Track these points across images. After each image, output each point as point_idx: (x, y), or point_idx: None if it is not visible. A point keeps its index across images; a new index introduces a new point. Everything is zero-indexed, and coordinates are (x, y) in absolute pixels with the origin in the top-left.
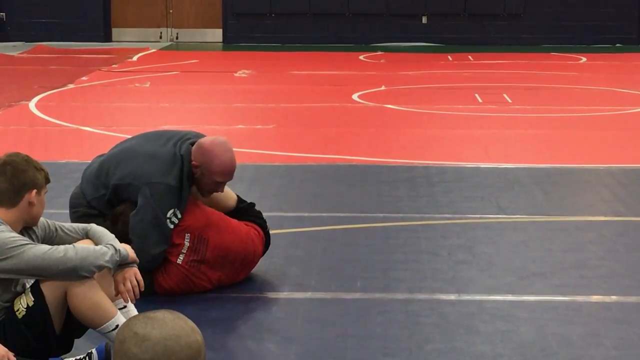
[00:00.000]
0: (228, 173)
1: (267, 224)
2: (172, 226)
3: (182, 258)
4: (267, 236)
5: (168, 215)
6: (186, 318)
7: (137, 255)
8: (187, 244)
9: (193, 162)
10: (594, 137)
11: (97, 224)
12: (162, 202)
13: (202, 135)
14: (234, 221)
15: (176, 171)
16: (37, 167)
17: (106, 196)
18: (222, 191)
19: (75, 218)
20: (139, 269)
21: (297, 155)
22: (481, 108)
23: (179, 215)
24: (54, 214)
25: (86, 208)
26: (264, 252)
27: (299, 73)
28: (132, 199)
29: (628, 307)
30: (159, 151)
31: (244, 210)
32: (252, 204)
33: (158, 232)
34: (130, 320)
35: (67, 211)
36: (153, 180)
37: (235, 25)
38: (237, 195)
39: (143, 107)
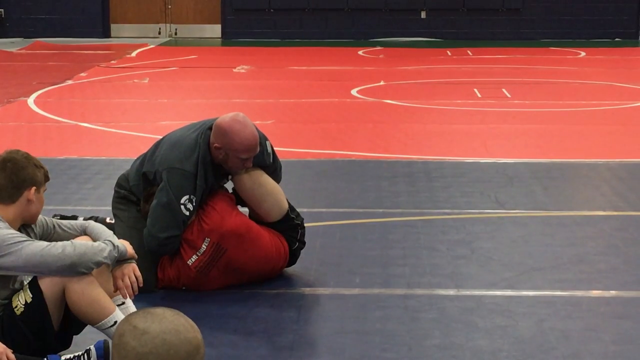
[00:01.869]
0: (251, 148)
1: (299, 244)
2: (187, 213)
3: (193, 260)
4: (293, 253)
5: (182, 201)
6: (186, 316)
7: (146, 239)
8: (204, 247)
9: (215, 145)
10: (593, 131)
11: (135, 210)
12: (177, 188)
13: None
14: (265, 235)
15: (195, 157)
16: (37, 165)
17: (142, 185)
18: (250, 166)
19: (116, 198)
20: (147, 256)
21: (296, 151)
22: (480, 103)
23: (195, 202)
24: (53, 210)
25: (127, 192)
26: (285, 267)
27: (297, 68)
28: None
29: (627, 301)
30: (184, 137)
31: (285, 223)
32: (300, 219)
33: (169, 217)
34: (130, 315)
35: (67, 207)
36: (171, 166)
37: (234, 20)
38: (291, 207)
39: (142, 103)
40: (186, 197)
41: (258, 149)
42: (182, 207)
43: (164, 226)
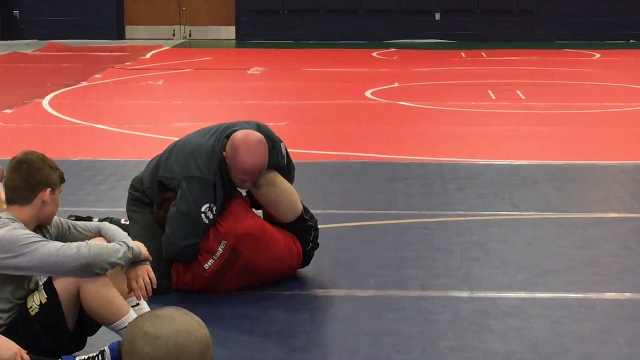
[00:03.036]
0: (250, 174)
1: (313, 245)
2: (207, 221)
3: (210, 264)
4: (306, 255)
5: (203, 209)
6: (192, 313)
7: (166, 247)
8: (220, 251)
9: (224, 153)
10: (607, 133)
11: (149, 212)
12: (198, 197)
13: (250, 126)
14: (279, 237)
15: (214, 166)
16: (53, 167)
17: (156, 189)
18: (249, 188)
19: (131, 200)
20: (162, 258)
21: (310, 153)
22: (495, 105)
23: (215, 211)
24: (68, 211)
25: (141, 194)
26: (298, 268)
27: (312, 70)
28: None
29: None
30: (202, 145)
31: (299, 224)
32: (314, 221)
33: (189, 226)
34: (138, 320)
35: (82, 209)
36: (191, 175)
37: (249, 22)
38: (305, 209)
39: (156, 105)
40: (207, 205)
41: (259, 177)
42: (203, 215)
43: (183, 235)
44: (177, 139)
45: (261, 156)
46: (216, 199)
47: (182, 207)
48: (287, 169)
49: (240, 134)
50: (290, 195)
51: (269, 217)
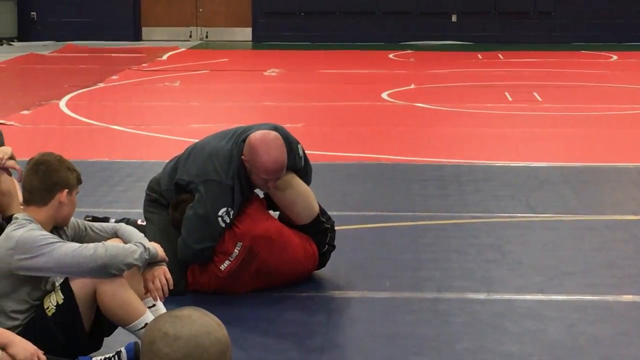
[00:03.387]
0: (271, 171)
1: (328, 247)
2: (223, 225)
3: (225, 265)
4: (322, 257)
5: (220, 213)
6: (209, 313)
7: (181, 249)
8: (236, 252)
9: (243, 157)
10: (624, 135)
11: (165, 213)
12: (215, 200)
13: (265, 128)
14: (295, 238)
15: (232, 170)
16: (70, 168)
17: (174, 190)
18: (272, 187)
19: (147, 201)
20: (182, 262)
21: (326, 154)
22: (511, 106)
23: (232, 215)
24: (84, 212)
25: (159, 196)
26: (314, 270)
27: (328, 72)
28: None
29: None
30: (219, 149)
31: (315, 226)
32: (330, 222)
33: (206, 229)
34: (157, 321)
35: (98, 210)
36: (208, 178)
37: (265, 24)
38: (321, 210)
39: (173, 106)
40: (224, 209)
41: (281, 174)
42: (219, 219)
43: (199, 237)
44: (195, 141)
45: (280, 153)
46: (233, 203)
47: (199, 210)
48: (304, 170)
49: (256, 135)
50: (306, 197)
51: (284, 219)
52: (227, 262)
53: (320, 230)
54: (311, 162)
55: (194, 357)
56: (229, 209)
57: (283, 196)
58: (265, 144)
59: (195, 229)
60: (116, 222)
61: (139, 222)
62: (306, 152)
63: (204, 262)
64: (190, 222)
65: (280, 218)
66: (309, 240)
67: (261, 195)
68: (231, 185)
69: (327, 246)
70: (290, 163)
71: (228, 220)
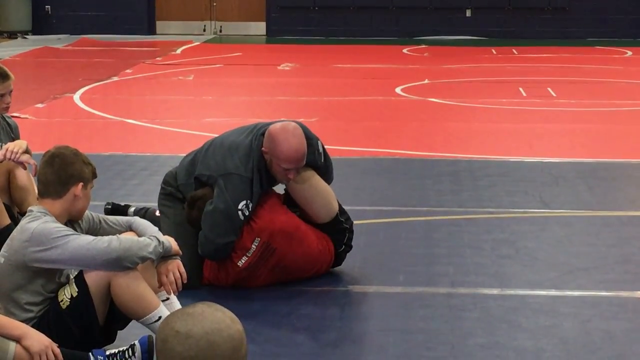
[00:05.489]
0: (292, 160)
1: (345, 247)
2: (243, 218)
3: (243, 261)
4: (338, 255)
5: (240, 206)
6: (224, 309)
7: (203, 244)
8: (253, 248)
9: (263, 149)
10: (638, 131)
11: (180, 207)
12: (235, 194)
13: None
14: (312, 235)
15: (251, 163)
16: (85, 161)
17: (193, 185)
18: (293, 178)
19: (163, 195)
20: (192, 252)
21: (340, 149)
22: (525, 102)
23: (251, 208)
24: (98, 205)
25: (174, 190)
26: (329, 268)
27: (342, 66)
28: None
29: None
30: (238, 143)
31: (334, 225)
32: (349, 222)
33: (227, 223)
34: (169, 319)
35: (113, 203)
36: (228, 172)
37: (279, 18)
38: (341, 210)
39: (186, 100)
40: (243, 202)
41: (301, 163)
42: (240, 212)
43: (222, 232)
44: (213, 136)
45: (300, 140)
46: (252, 196)
47: (220, 205)
48: (324, 167)
49: (276, 125)
50: (325, 196)
51: (304, 216)
52: (244, 258)
53: (338, 230)
54: None
55: (206, 354)
56: (248, 201)
57: (302, 193)
58: (285, 132)
59: (217, 224)
60: (135, 210)
61: (157, 212)
62: None
63: (225, 257)
64: (212, 217)
65: (300, 217)
66: (327, 239)
67: (282, 191)
68: (250, 178)
69: (344, 246)
70: (310, 159)
71: (247, 213)
